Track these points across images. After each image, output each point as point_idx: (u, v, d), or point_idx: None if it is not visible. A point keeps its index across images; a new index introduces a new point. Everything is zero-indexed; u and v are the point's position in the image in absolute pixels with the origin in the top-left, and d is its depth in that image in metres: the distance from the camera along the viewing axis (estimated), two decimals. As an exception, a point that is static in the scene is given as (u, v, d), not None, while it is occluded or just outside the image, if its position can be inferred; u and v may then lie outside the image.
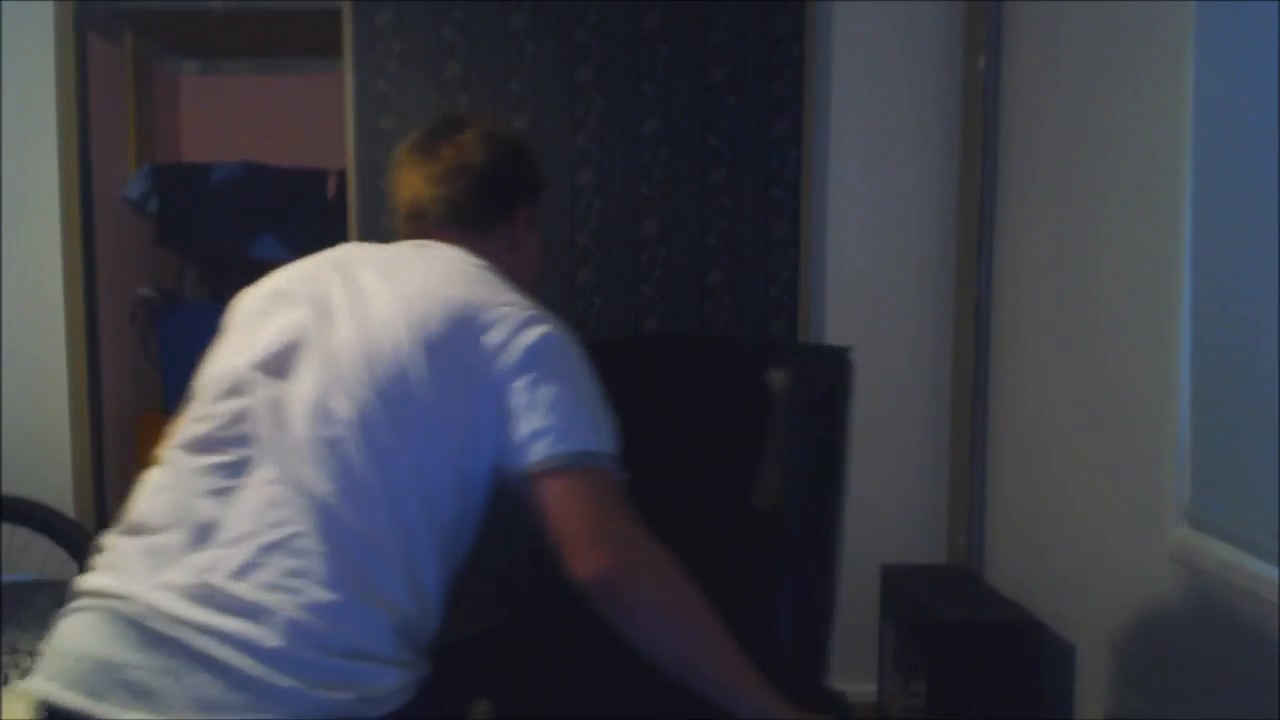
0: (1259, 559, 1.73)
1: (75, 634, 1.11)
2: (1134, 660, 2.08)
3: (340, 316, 1.20)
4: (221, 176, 3.04)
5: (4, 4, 2.81)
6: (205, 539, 1.11)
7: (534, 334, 1.19)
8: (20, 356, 2.87)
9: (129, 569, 1.12)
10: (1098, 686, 2.23)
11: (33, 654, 1.70)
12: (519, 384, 1.16)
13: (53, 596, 1.99)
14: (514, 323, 1.20)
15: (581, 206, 2.83)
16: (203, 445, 1.18)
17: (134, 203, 3.07)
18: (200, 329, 3.22)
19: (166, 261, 3.27)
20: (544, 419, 1.15)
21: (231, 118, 3.51)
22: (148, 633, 1.06)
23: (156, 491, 1.19)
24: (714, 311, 2.85)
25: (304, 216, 3.04)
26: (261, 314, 1.26)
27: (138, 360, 3.10)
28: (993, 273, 2.78)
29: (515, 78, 2.81)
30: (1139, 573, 2.06)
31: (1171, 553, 1.94)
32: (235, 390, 1.19)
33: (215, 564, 1.08)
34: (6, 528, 2.57)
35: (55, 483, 2.85)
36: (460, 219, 1.38)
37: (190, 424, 1.22)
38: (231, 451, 1.15)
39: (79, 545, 2.52)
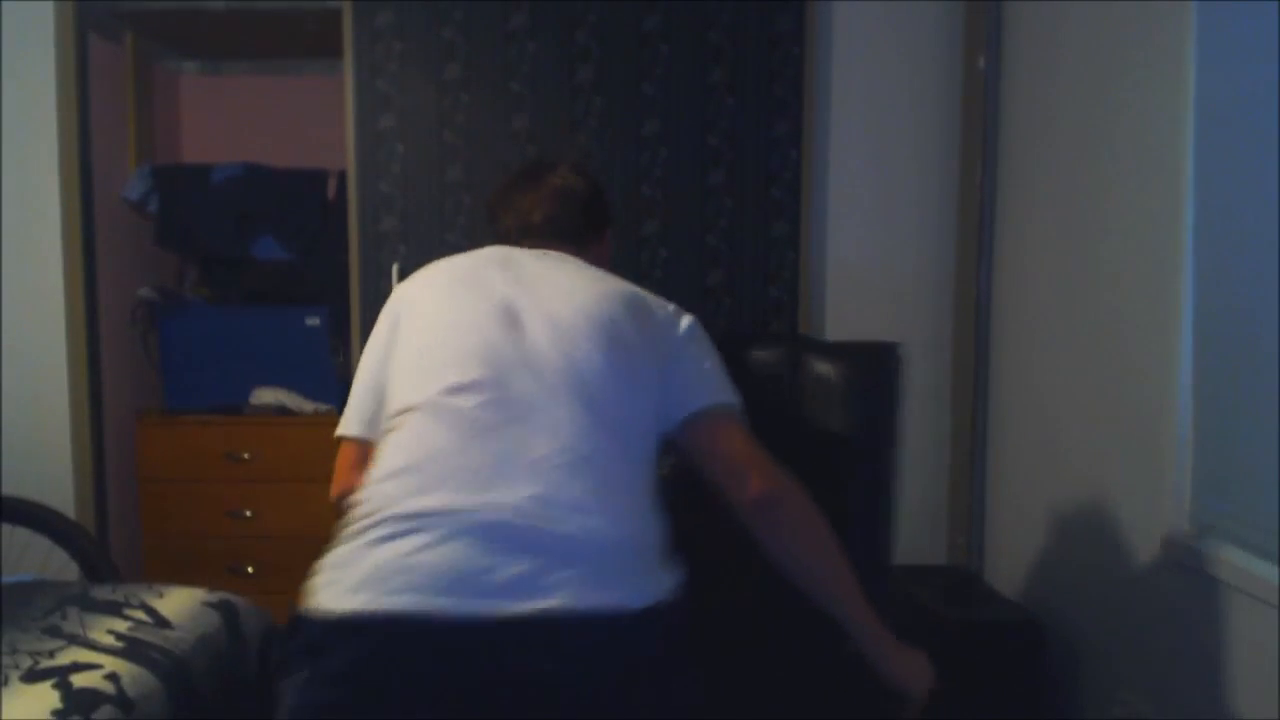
0: (1261, 559, 1.73)
1: (421, 548, 1.20)
2: (1134, 660, 2.08)
3: (540, 295, 1.42)
4: (221, 177, 3.04)
5: (4, 4, 2.81)
6: (512, 468, 1.26)
7: (688, 318, 1.51)
8: (20, 357, 2.88)
9: (446, 493, 1.24)
10: (1098, 686, 2.23)
11: (33, 654, 1.70)
12: (686, 353, 1.45)
13: (53, 596, 1.99)
14: (671, 309, 1.51)
15: (581, 206, 2.83)
16: (468, 401, 1.32)
17: (134, 203, 3.07)
18: (200, 329, 3.25)
19: (166, 261, 3.27)
20: (709, 379, 1.45)
21: (231, 118, 3.51)
22: (510, 536, 1.20)
23: (430, 444, 1.30)
24: (714, 311, 2.84)
25: (304, 217, 3.04)
26: (452, 295, 1.46)
27: (138, 360, 3.10)
28: (993, 273, 2.78)
29: (515, 78, 2.81)
30: (1139, 573, 2.06)
31: (1172, 553, 1.94)
32: (482, 356, 1.35)
33: (534, 486, 1.24)
34: (6, 528, 2.57)
35: (55, 483, 2.85)
36: (565, 235, 1.63)
37: (440, 385, 1.34)
38: (498, 405, 1.31)
39: (79, 545, 2.52)
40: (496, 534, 1.21)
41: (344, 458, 1.48)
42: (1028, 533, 2.58)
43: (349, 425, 1.49)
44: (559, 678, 1.17)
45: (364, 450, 1.44)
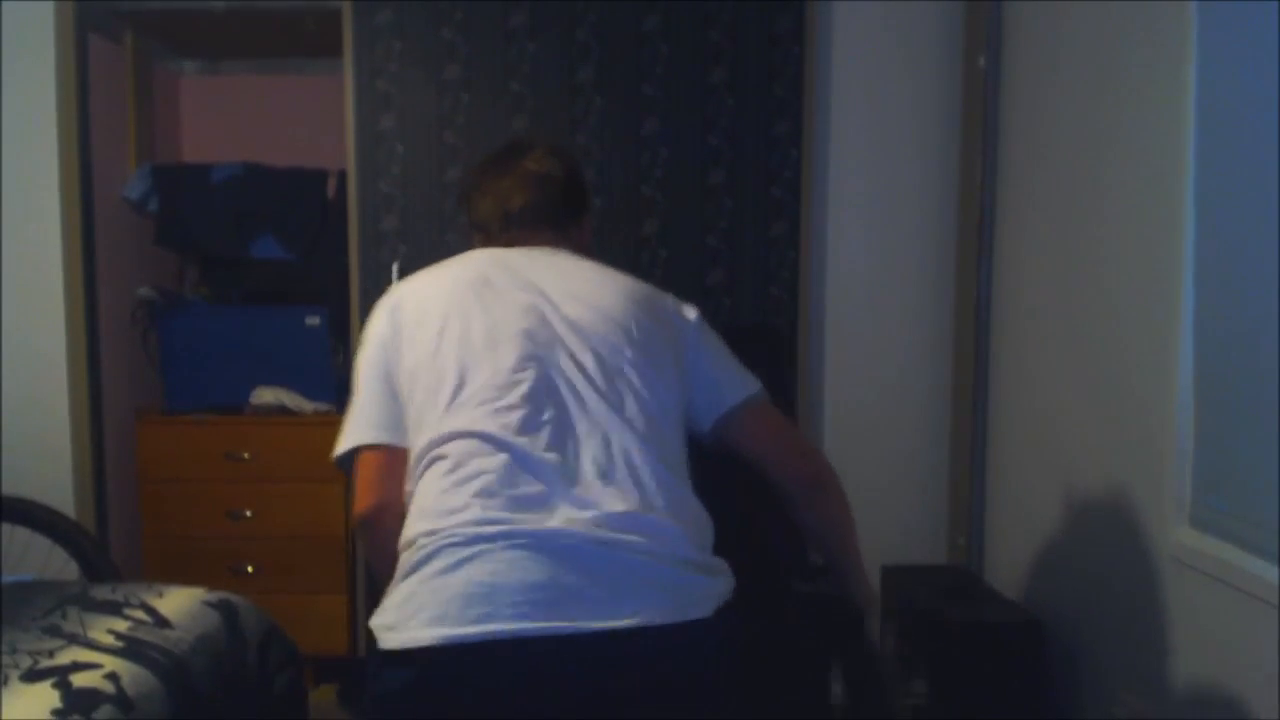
0: (1261, 559, 1.73)
1: (494, 572, 1.20)
2: (1134, 660, 2.08)
3: (561, 307, 1.40)
4: (221, 177, 3.04)
5: (4, 4, 2.81)
6: (570, 484, 1.27)
7: (693, 310, 1.53)
8: (20, 357, 2.88)
9: (512, 513, 1.23)
10: (1098, 686, 2.23)
11: (33, 653, 1.70)
12: (703, 349, 1.48)
13: (53, 596, 1.99)
14: (673, 301, 1.53)
15: (581, 206, 2.83)
16: (512, 408, 1.31)
17: (134, 203, 3.07)
18: (200, 329, 3.25)
19: (166, 261, 3.27)
20: (732, 372, 1.49)
21: (231, 118, 3.51)
22: (577, 555, 1.21)
23: (486, 469, 1.28)
24: (714, 311, 2.84)
25: (304, 217, 3.04)
26: (473, 310, 1.40)
27: (138, 360, 3.10)
28: (993, 273, 2.78)
29: (515, 78, 2.81)
30: (1139, 573, 2.06)
31: (1172, 553, 1.94)
32: (523, 377, 1.34)
33: (596, 500, 1.26)
34: (6, 528, 2.57)
35: (55, 483, 2.85)
36: (545, 221, 1.57)
37: (485, 409, 1.32)
38: (544, 411, 1.31)
39: (79, 545, 2.52)
40: (566, 555, 1.21)
41: (369, 467, 1.41)
42: (1028, 533, 2.58)
43: (368, 433, 1.41)
44: (638, 689, 1.21)
45: (392, 456, 1.39)
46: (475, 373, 1.34)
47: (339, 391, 3.01)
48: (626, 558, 1.22)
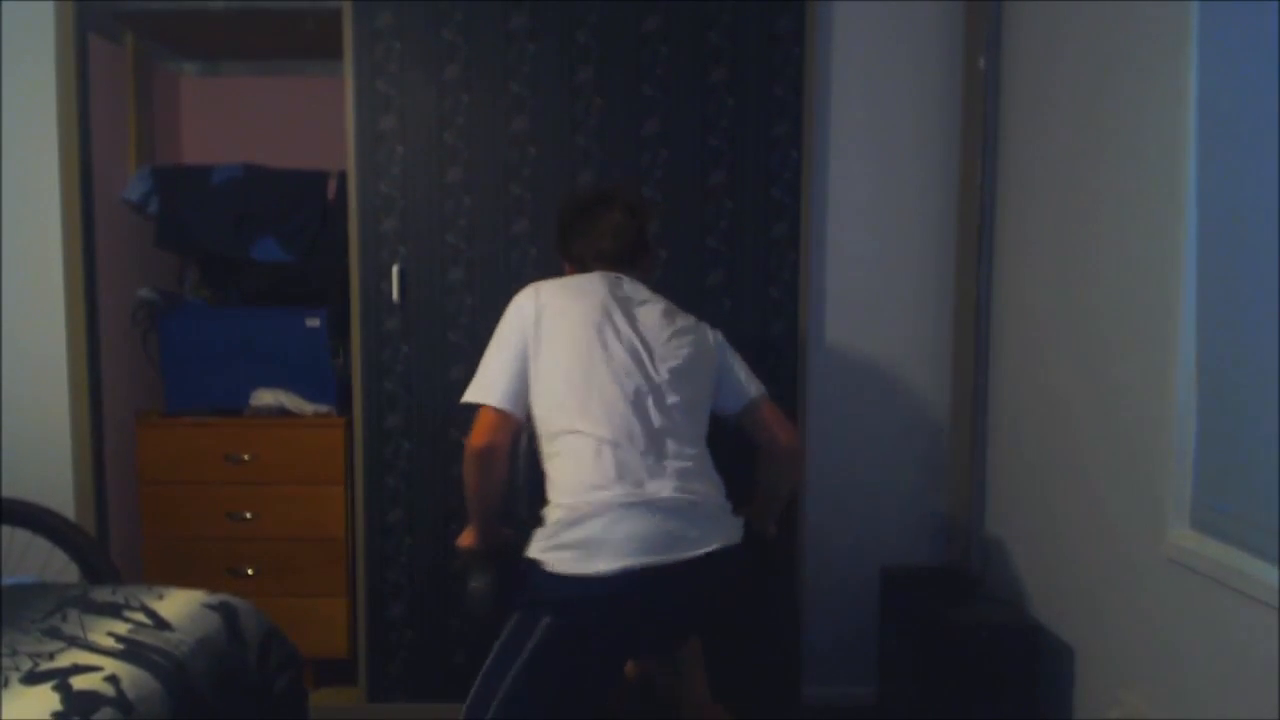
0: (1261, 559, 1.73)
1: (620, 523, 1.86)
2: (1133, 662, 2.08)
3: (649, 339, 2.05)
4: (221, 178, 3.04)
5: (4, 4, 2.81)
6: (660, 469, 1.93)
7: (716, 333, 2.21)
8: (21, 357, 2.88)
9: (633, 488, 1.90)
10: (1097, 687, 2.23)
11: (33, 656, 1.70)
12: (729, 362, 2.18)
13: (53, 598, 1.99)
14: (706, 327, 2.19)
15: (581, 207, 2.83)
16: (624, 418, 1.95)
17: (134, 204, 3.07)
18: (200, 330, 3.24)
19: (166, 262, 3.27)
20: (748, 377, 2.19)
21: (231, 119, 3.51)
22: (671, 511, 1.90)
23: (603, 458, 1.92)
24: (714, 312, 2.84)
25: (304, 218, 3.03)
26: (592, 336, 2.01)
27: (138, 360, 3.10)
28: (993, 273, 2.78)
29: (515, 78, 2.81)
30: (1139, 574, 2.06)
31: (1171, 555, 1.94)
32: (627, 392, 1.97)
33: (676, 479, 1.93)
34: (6, 530, 2.57)
35: (55, 483, 2.85)
36: (624, 261, 2.22)
37: (600, 413, 1.95)
38: (641, 423, 1.95)
39: (79, 547, 2.52)
40: (670, 511, 1.89)
41: (490, 420, 1.98)
42: (1027, 534, 2.58)
43: (499, 399, 1.98)
44: (717, 583, 1.97)
45: (508, 420, 1.98)
46: (602, 390, 1.96)
47: (339, 393, 3.01)
48: (698, 513, 1.93)
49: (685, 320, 2.14)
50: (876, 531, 2.99)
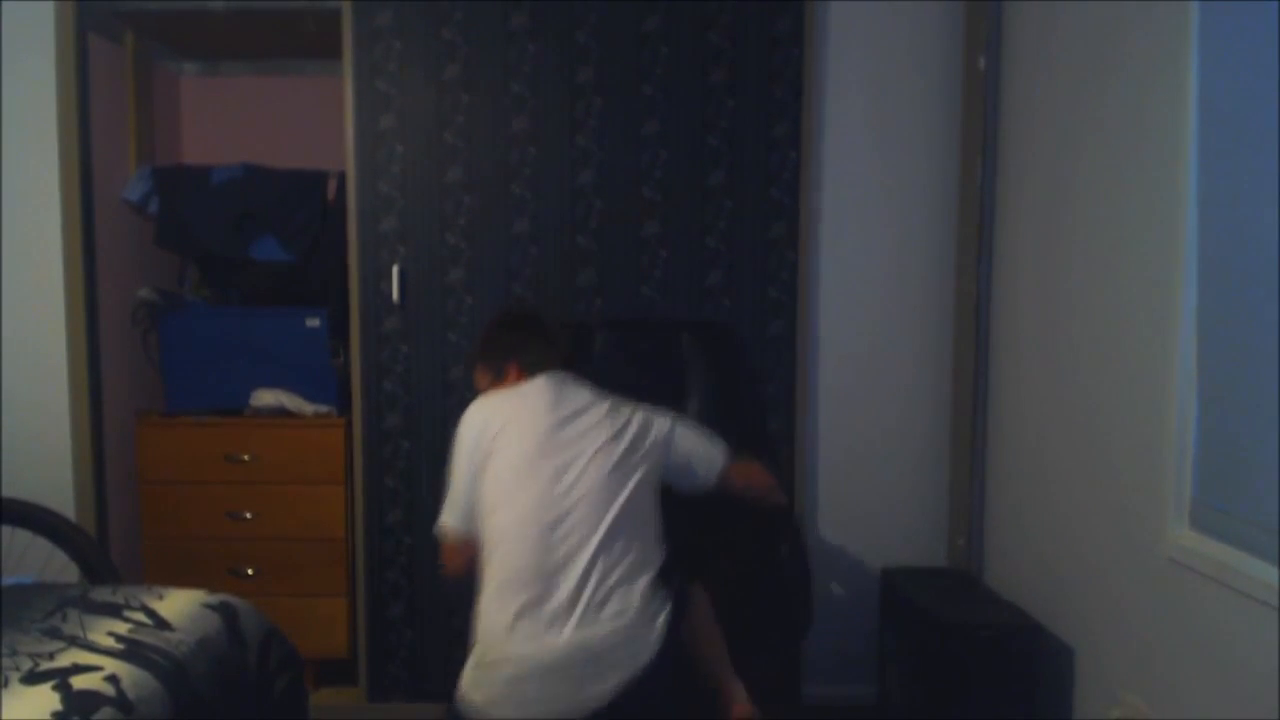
0: (1261, 560, 1.73)
1: (521, 683, 1.89)
2: (1134, 660, 2.08)
3: (585, 447, 2.05)
4: (221, 178, 3.04)
5: (4, 4, 2.81)
6: (573, 600, 1.94)
7: (667, 418, 2.20)
8: (21, 357, 2.88)
9: (530, 639, 1.93)
10: (1097, 687, 2.23)
11: (33, 655, 1.70)
12: (686, 440, 2.19)
13: (53, 598, 1.99)
14: (655, 417, 2.18)
15: (581, 207, 2.83)
16: (552, 519, 1.98)
17: (134, 204, 3.07)
18: (200, 330, 3.24)
19: (166, 262, 3.27)
20: (711, 447, 2.22)
21: (231, 118, 3.51)
22: (582, 659, 1.92)
23: (512, 599, 1.94)
24: (714, 312, 2.85)
25: (304, 218, 3.03)
26: (536, 450, 2.04)
27: (138, 361, 3.10)
28: (993, 273, 2.78)
29: (515, 78, 2.81)
30: (1139, 574, 2.06)
31: (1171, 555, 1.94)
32: (557, 519, 1.98)
33: (590, 605, 1.94)
34: (6, 530, 2.57)
35: (55, 484, 2.85)
36: (557, 363, 2.26)
37: (532, 504, 1.99)
38: (557, 548, 1.96)
39: (79, 547, 2.52)
40: (566, 667, 1.89)
41: (451, 545, 2.12)
42: (1028, 534, 2.58)
43: (458, 521, 2.10)
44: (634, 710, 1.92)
45: (469, 536, 2.08)
46: (520, 525, 1.98)
47: (339, 393, 3.01)
48: (610, 648, 1.91)
49: (624, 418, 2.13)
50: (876, 531, 2.99)
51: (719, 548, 2.40)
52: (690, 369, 2.69)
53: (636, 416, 2.14)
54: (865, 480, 3.00)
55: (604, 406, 2.13)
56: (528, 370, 2.23)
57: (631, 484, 2.03)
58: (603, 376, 2.59)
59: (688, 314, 2.85)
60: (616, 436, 2.07)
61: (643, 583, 1.97)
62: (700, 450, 2.20)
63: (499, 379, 2.25)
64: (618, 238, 2.84)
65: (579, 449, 2.04)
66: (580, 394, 2.16)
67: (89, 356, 2.89)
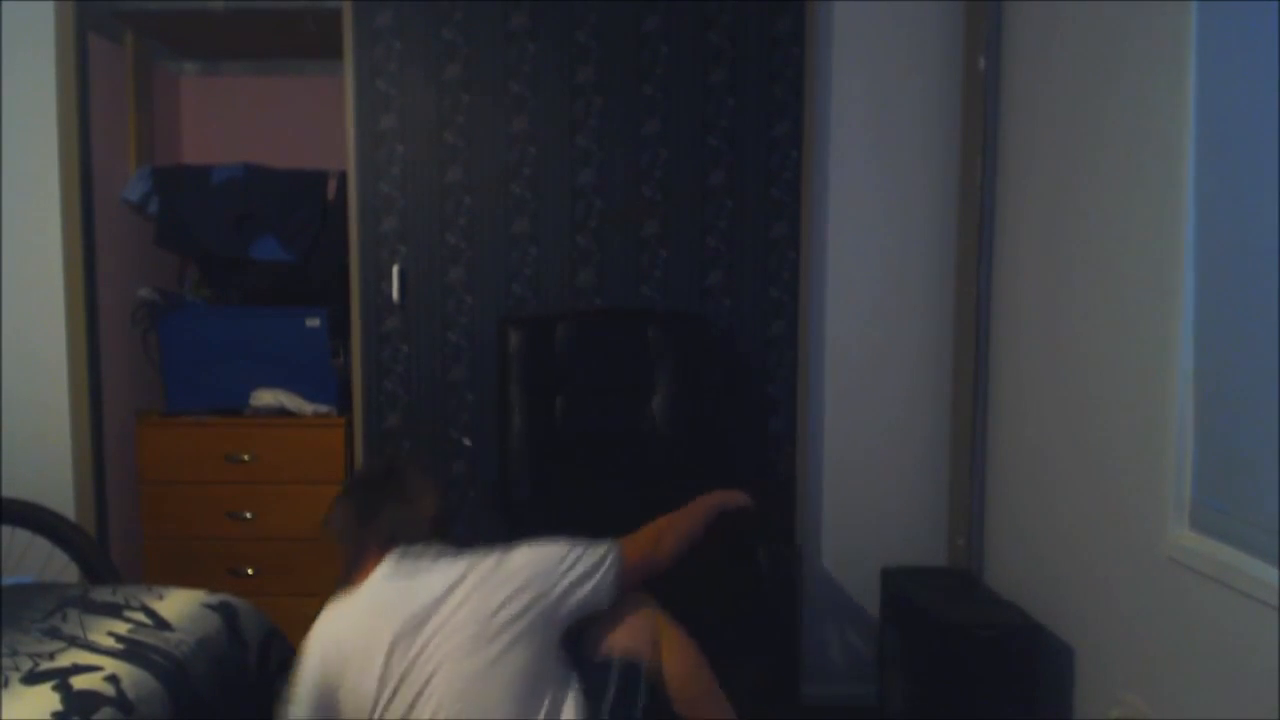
0: (1260, 559, 1.73)
1: None
2: (1134, 660, 2.08)
3: (424, 629, 1.75)
4: (221, 178, 3.04)
5: (4, 4, 2.81)
6: None
7: (546, 561, 1.87)
8: (20, 357, 2.88)
9: None
10: (1097, 687, 2.23)
11: (33, 655, 1.70)
12: (574, 580, 1.87)
13: (53, 598, 1.99)
14: (528, 572, 1.84)
15: (581, 207, 2.83)
16: None
17: (134, 204, 3.07)
18: (200, 330, 3.24)
19: (166, 261, 3.27)
20: (597, 570, 1.89)
21: (231, 119, 3.51)
22: None
23: None
24: (714, 312, 2.85)
25: (304, 218, 3.03)
26: (386, 668, 1.74)
27: (138, 361, 3.10)
28: (993, 273, 2.78)
29: (515, 78, 2.81)
30: (1139, 574, 2.06)
31: (1171, 555, 1.94)
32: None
33: None
34: (6, 530, 2.57)
35: (55, 484, 2.85)
36: (421, 531, 1.92)
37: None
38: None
39: (79, 547, 2.52)
40: None
41: None
42: (1028, 535, 2.58)
43: None
44: None
45: None
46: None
47: (339, 393, 3.01)
48: None
49: (494, 592, 1.80)
50: (877, 531, 2.99)
51: (685, 573, 2.13)
52: (658, 361, 2.68)
53: (512, 582, 1.81)
54: (865, 480, 3.00)
55: (466, 587, 1.79)
56: (383, 547, 1.88)
57: (507, 674, 1.74)
58: (566, 371, 2.64)
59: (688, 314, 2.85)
60: (480, 630, 1.75)
61: None
62: (589, 584, 1.87)
63: (357, 566, 1.89)
64: (618, 237, 2.84)
65: (434, 663, 1.73)
66: (437, 577, 1.80)
67: (89, 356, 2.89)
